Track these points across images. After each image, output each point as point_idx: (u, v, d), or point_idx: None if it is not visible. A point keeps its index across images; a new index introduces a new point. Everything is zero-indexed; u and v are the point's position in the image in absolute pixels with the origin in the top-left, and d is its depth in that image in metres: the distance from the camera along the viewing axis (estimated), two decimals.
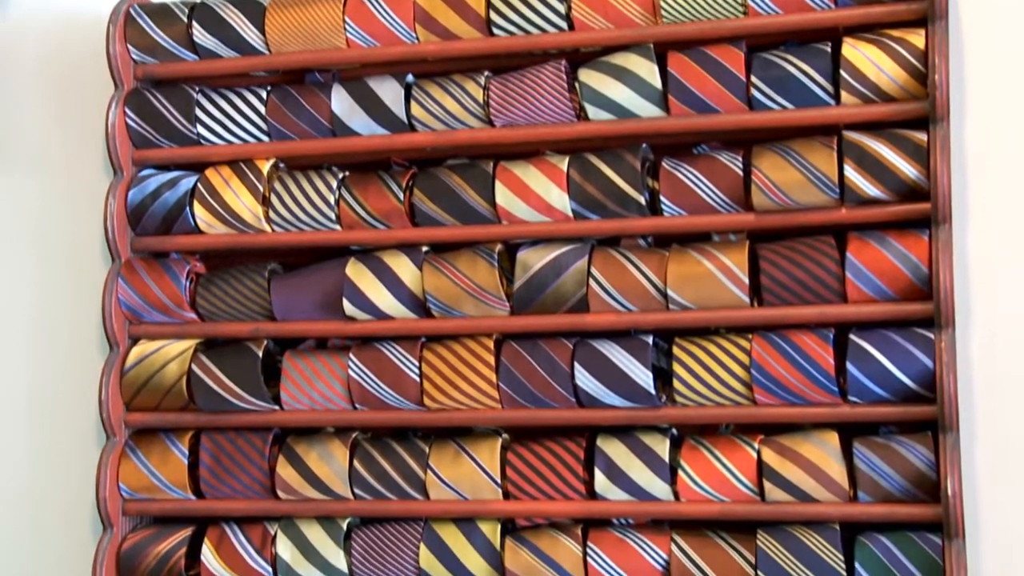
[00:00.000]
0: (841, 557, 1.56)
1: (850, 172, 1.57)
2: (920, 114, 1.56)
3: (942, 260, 1.52)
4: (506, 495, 1.68)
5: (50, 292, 1.89)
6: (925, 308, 1.55)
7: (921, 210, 1.56)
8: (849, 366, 1.56)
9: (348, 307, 1.71)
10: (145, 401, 1.77)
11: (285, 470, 1.72)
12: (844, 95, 1.59)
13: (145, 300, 1.78)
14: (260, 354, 1.73)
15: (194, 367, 1.75)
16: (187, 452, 1.76)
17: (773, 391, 1.59)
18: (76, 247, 1.88)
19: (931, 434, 1.55)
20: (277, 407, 1.74)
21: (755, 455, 1.61)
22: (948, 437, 1.51)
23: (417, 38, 1.72)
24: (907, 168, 1.56)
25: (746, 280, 1.60)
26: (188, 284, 1.77)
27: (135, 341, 1.80)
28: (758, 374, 1.59)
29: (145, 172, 1.82)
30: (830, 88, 1.60)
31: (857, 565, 1.55)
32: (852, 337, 1.58)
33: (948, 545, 1.51)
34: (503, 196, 1.68)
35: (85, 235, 1.86)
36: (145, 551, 1.75)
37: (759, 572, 1.57)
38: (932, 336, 1.55)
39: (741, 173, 1.63)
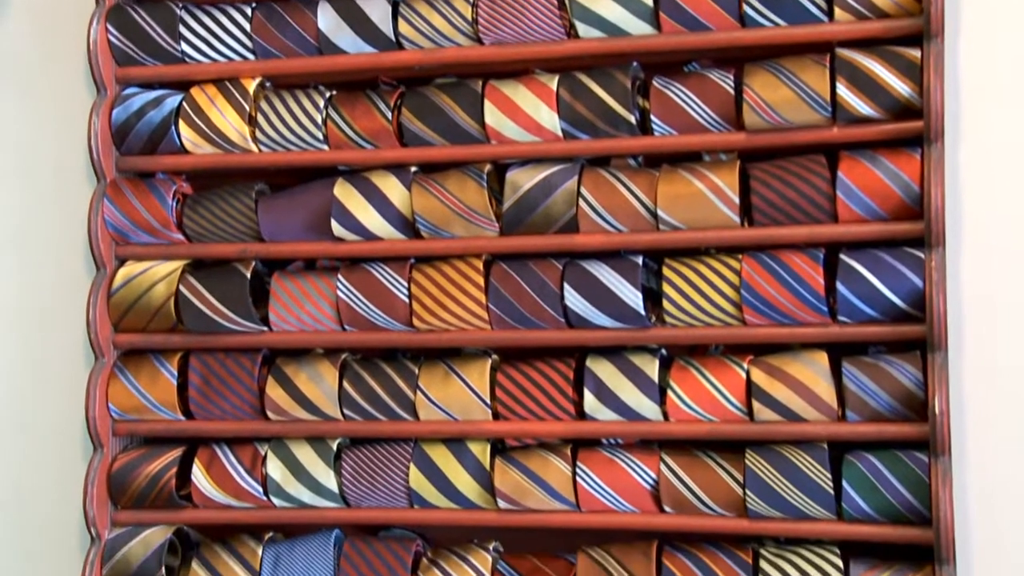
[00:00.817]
0: (829, 475, 1.57)
1: (842, 90, 1.56)
2: (914, 31, 1.54)
3: (934, 179, 1.52)
4: (495, 415, 1.68)
5: (35, 213, 1.87)
6: (915, 228, 1.54)
7: (914, 128, 1.55)
8: (839, 286, 1.56)
9: (336, 228, 1.70)
10: (133, 322, 1.76)
11: (274, 391, 1.72)
12: (838, 12, 1.57)
13: (131, 221, 1.76)
14: (248, 275, 1.72)
15: (182, 288, 1.74)
16: (176, 373, 1.75)
17: (763, 311, 1.59)
18: (60, 167, 1.86)
19: (919, 353, 1.56)
20: (266, 328, 1.74)
21: (744, 375, 1.61)
22: (936, 356, 1.52)
23: None
24: (900, 86, 1.55)
25: (736, 200, 1.60)
26: (175, 205, 1.76)
27: (122, 262, 1.79)
28: (748, 294, 1.59)
29: (129, 90, 1.79)
30: (823, 5, 1.58)
31: (844, 483, 1.56)
32: (842, 257, 1.57)
33: (934, 462, 1.52)
34: (492, 115, 1.66)
35: (69, 155, 1.84)
36: (136, 471, 1.76)
37: (747, 491, 1.59)
38: (922, 255, 1.54)
39: (732, 92, 1.61)
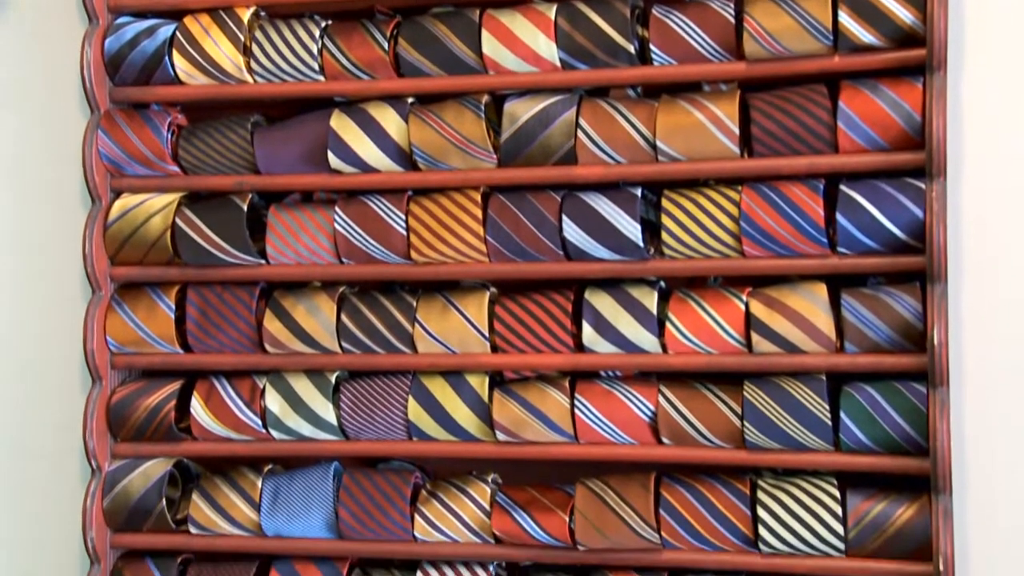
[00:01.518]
0: (827, 407, 1.57)
1: (844, 18, 1.54)
2: None
3: (935, 108, 1.50)
4: (494, 348, 1.68)
5: (29, 145, 1.86)
6: (916, 158, 1.53)
7: (916, 57, 1.53)
8: (839, 217, 1.55)
9: (333, 159, 1.69)
10: (130, 255, 1.76)
11: (272, 324, 1.72)
12: None
13: (126, 153, 1.75)
14: (245, 208, 1.71)
15: (178, 221, 1.73)
16: (173, 306, 1.75)
17: (762, 243, 1.58)
18: (53, 99, 1.84)
19: (919, 285, 1.55)
20: (263, 261, 1.73)
21: (743, 307, 1.61)
22: (936, 287, 1.51)
23: None
24: (903, 13, 1.53)
25: (736, 131, 1.58)
26: (170, 136, 1.74)
27: (117, 195, 1.78)
28: (747, 226, 1.58)
29: (122, 20, 1.77)
30: None
31: (842, 414, 1.57)
32: (842, 188, 1.56)
33: (932, 394, 1.52)
34: (489, 45, 1.64)
35: (62, 85, 1.82)
36: (135, 404, 1.76)
37: (745, 423, 1.59)
38: (923, 186, 1.53)
39: (733, 20, 1.59)
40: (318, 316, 1.71)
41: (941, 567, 1.51)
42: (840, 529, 1.56)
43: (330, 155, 1.68)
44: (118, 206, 1.76)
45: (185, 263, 1.74)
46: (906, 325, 1.55)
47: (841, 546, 1.56)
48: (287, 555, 1.73)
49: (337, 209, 1.70)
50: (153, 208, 1.74)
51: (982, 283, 1.58)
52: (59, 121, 1.83)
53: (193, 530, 1.74)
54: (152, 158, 1.74)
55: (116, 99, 1.77)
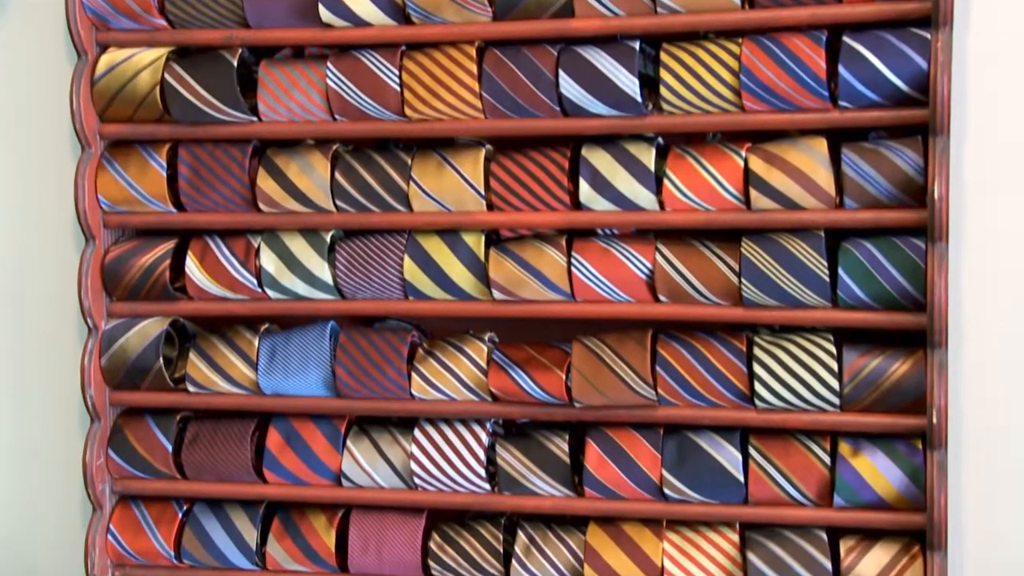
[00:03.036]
0: (825, 263, 1.56)
1: None
2: None
3: None
4: (490, 206, 1.66)
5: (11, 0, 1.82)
6: (922, 7, 1.49)
7: None
8: (841, 69, 1.52)
9: (324, 13, 1.64)
10: (119, 111, 1.73)
11: (266, 182, 1.70)
12: None
13: (111, 5, 1.70)
14: (235, 63, 1.68)
15: (167, 76, 1.69)
16: (165, 164, 1.73)
17: (762, 97, 1.56)
18: None
19: (920, 138, 1.53)
20: (255, 118, 1.70)
21: (742, 163, 1.59)
22: (938, 141, 1.49)
23: None
24: None
25: None
26: None
27: (104, 49, 1.74)
28: (747, 79, 1.55)
29: None
30: None
31: (840, 270, 1.56)
32: (845, 39, 1.53)
33: (931, 248, 1.51)
34: None
35: None
36: (129, 263, 1.75)
37: (743, 280, 1.58)
38: (928, 36, 1.50)
39: None
40: (312, 174, 1.69)
41: (935, 420, 1.52)
42: (835, 384, 1.57)
43: (321, 8, 1.64)
44: (105, 60, 1.72)
45: (176, 120, 1.72)
46: (907, 180, 1.53)
47: (836, 401, 1.57)
48: (285, 413, 1.74)
49: (329, 65, 1.66)
50: (141, 63, 1.71)
51: (985, 135, 1.56)
52: None
53: (191, 388, 1.75)
54: (138, 10, 1.70)
55: None
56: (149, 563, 1.78)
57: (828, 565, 1.58)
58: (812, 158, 1.56)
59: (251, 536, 1.74)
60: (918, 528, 1.56)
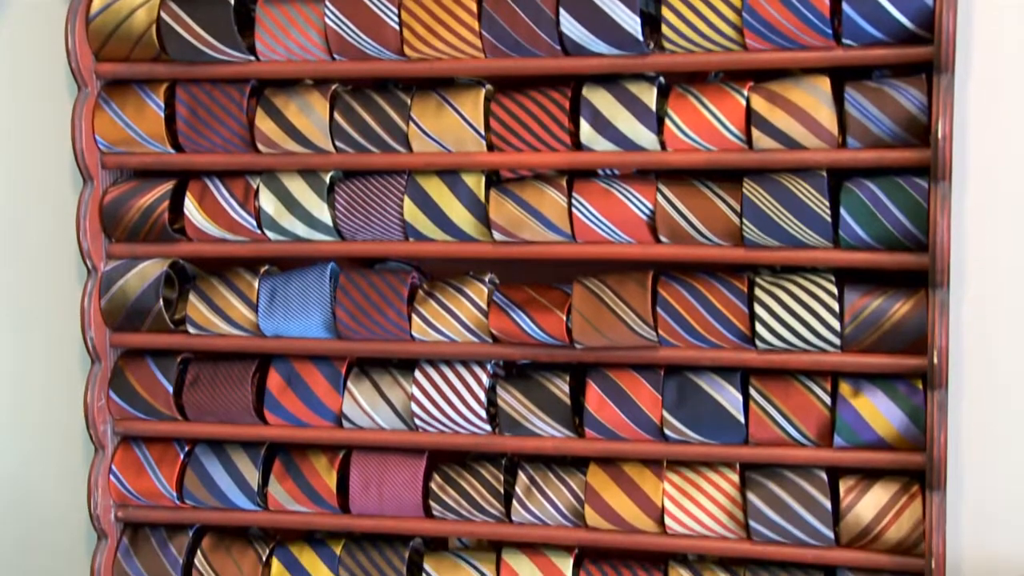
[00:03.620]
0: (827, 203, 1.55)
1: None
2: None
3: None
4: (490, 147, 1.65)
5: None
6: None
7: None
8: (844, 6, 1.51)
9: None
10: (115, 51, 1.71)
11: (264, 123, 1.69)
12: None
13: None
14: (232, 1, 1.66)
15: (163, 15, 1.68)
16: (163, 104, 1.72)
17: (765, 35, 1.54)
18: None
19: (924, 77, 1.52)
20: (253, 58, 1.69)
21: (744, 102, 1.57)
22: (942, 79, 1.47)
23: None
24: None
25: None
26: None
27: None
28: (750, 17, 1.53)
29: None
30: None
31: (842, 211, 1.55)
32: None
33: (934, 188, 1.50)
34: None
35: None
36: (128, 204, 1.74)
37: (744, 220, 1.57)
38: None
39: None
40: (311, 114, 1.67)
41: (935, 360, 1.52)
42: (836, 325, 1.56)
43: None
44: None
45: (173, 59, 1.70)
46: (910, 118, 1.52)
47: (837, 341, 1.57)
48: (286, 355, 1.74)
49: (328, 3, 1.64)
50: (136, 1, 1.69)
51: (990, 73, 1.54)
52: None
53: (191, 330, 1.74)
54: None
55: None
56: (151, 503, 1.79)
57: (828, 505, 1.59)
58: (815, 97, 1.54)
59: (253, 477, 1.74)
60: (918, 468, 1.57)
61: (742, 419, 1.60)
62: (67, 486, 1.89)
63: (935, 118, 1.48)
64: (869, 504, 1.58)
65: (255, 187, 1.71)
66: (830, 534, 1.59)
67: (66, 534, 1.92)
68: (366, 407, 1.71)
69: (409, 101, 1.66)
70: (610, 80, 1.62)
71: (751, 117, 1.56)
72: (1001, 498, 1.62)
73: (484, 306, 1.67)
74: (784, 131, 1.56)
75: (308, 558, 1.75)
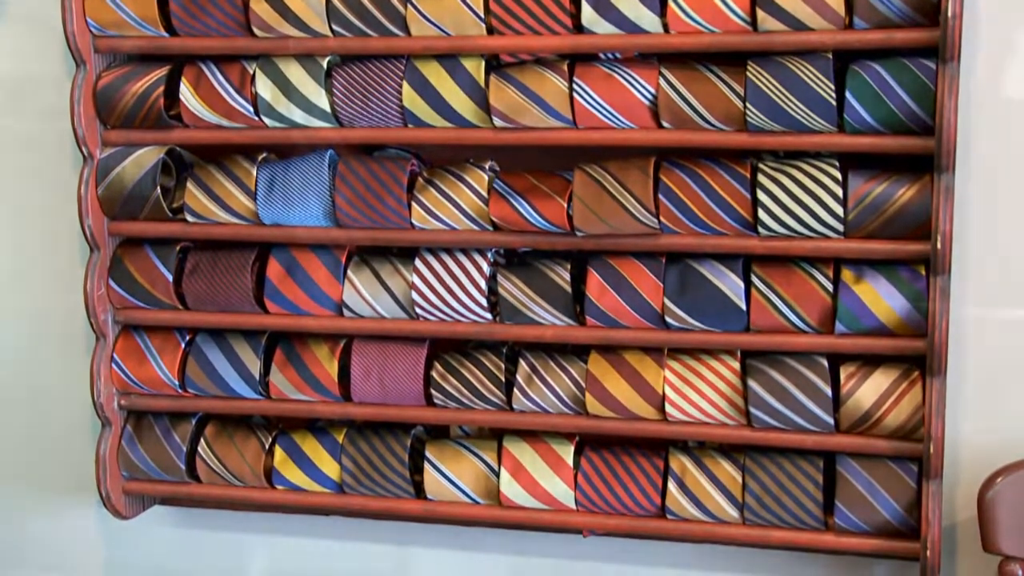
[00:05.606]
0: (832, 87, 1.52)
1: None
2: None
3: None
4: (490, 30, 1.62)
5: None
6: None
7: None
8: None
9: None
10: None
11: (259, 5, 1.65)
12: None
13: None
14: None
15: None
16: None
17: None
18: None
19: None
20: None
21: None
22: None
23: None
24: None
25: None
26: None
27: None
28: None
29: None
30: None
31: (848, 94, 1.52)
32: None
33: (942, 69, 1.47)
34: None
35: None
36: (122, 90, 1.72)
37: (748, 104, 1.55)
38: None
39: None
40: None
41: (939, 245, 1.50)
42: (839, 210, 1.55)
43: None
44: None
45: None
46: None
47: (840, 227, 1.56)
48: (285, 243, 1.73)
49: None
50: None
51: None
52: None
53: (190, 218, 1.73)
54: None
55: None
56: (154, 391, 1.79)
57: (828, 391, 1.59)
58: None
59: (254, 365, 1.75)
60: (918, 354, 1.56)
61: (743, 306, 1.60)
62: (70, 376, 1.90)
63: None
64: (869, 390, 1.58)
65: (251, 72, 1.68)
66: (830, 420, 1.59)
67: (71, 424, 1.93)
68: (367, 296, 1.70)
69: None
70: None
71: None
72: (1000, 384, 1.62)
73: (484, 193, 1.65)
74: (790, 12, 1.52)
75: (310, 446, 1.76)
